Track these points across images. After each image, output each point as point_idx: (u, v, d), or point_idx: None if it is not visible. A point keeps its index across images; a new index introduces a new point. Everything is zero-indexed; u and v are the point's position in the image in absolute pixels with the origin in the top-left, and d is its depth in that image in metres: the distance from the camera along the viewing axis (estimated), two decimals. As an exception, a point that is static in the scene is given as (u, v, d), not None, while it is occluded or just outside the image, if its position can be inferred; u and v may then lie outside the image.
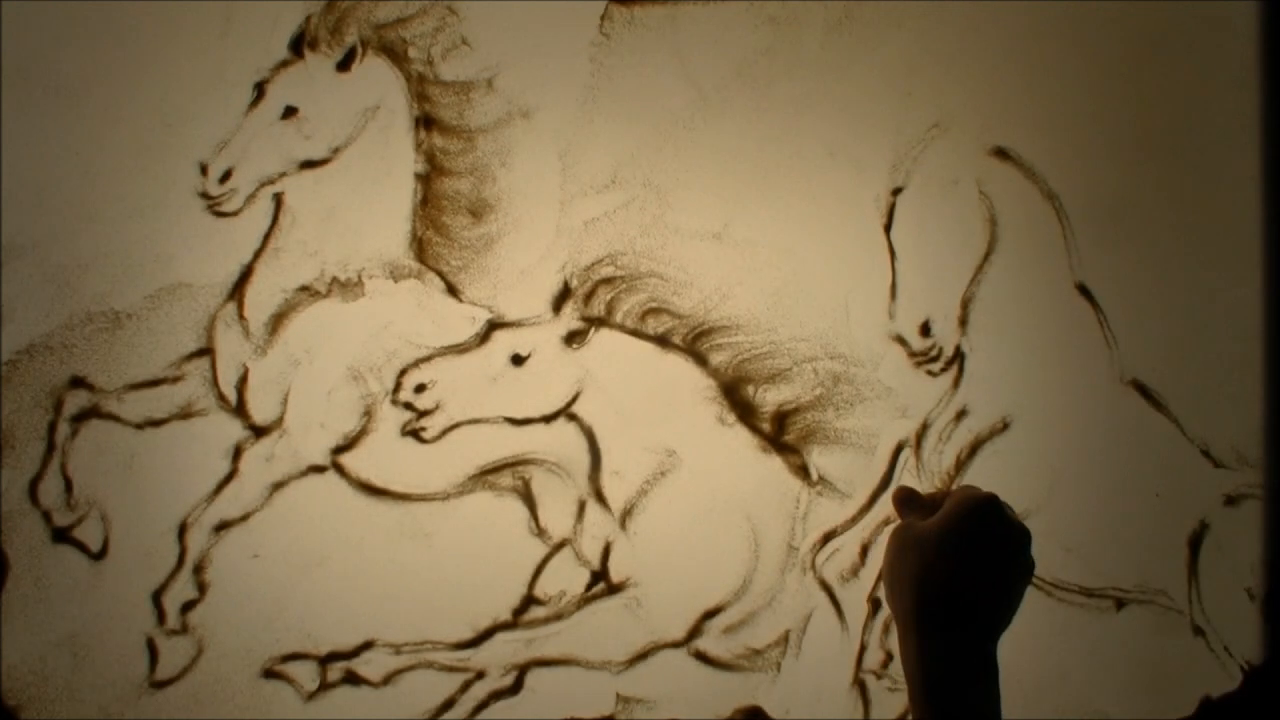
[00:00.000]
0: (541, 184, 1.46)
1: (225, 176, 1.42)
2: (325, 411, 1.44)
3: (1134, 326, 1.51)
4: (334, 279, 1.45)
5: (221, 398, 1.44)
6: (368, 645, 1.44)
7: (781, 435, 1.48)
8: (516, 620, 1.46)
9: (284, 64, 1.43)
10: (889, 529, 1.04)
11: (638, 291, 1.46)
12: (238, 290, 1.43)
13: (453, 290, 1.45)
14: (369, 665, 1.44)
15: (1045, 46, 1.50)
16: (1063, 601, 1.50)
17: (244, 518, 1.43)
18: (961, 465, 1.49)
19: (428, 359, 1.44)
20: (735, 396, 1.47)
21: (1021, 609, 0.98)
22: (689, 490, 1.47)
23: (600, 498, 1.46)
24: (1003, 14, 1.47)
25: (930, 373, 1.49)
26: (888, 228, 1.48)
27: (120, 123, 1.41)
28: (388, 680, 1.44)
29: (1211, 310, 1.52)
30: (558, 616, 1.46)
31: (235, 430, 1.43)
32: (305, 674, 1.43)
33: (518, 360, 1.45)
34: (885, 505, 1.49)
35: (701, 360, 1.47)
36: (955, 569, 0.95)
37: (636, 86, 1.46)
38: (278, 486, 1.44)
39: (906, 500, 1.05)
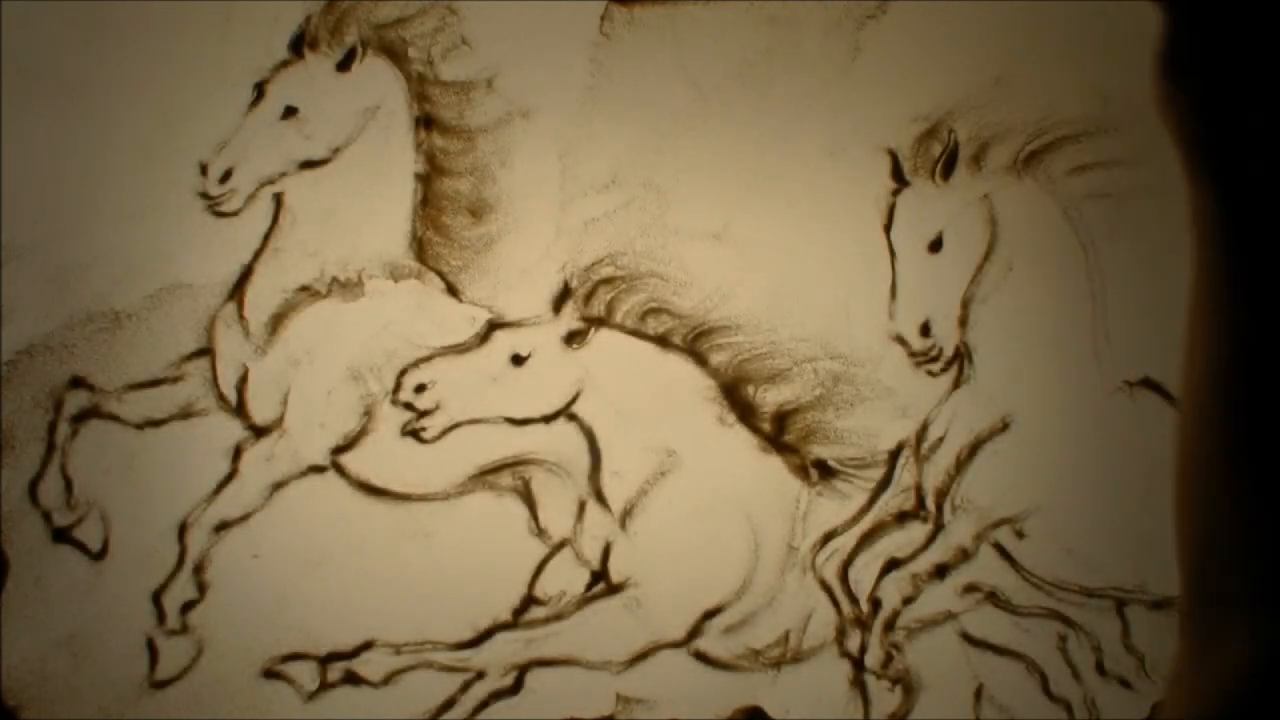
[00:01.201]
0: (541, 184, 1.46)
1: (225, 176, 1.42)
2: (325, 411, 1.44)
3: (1134, 326, 1.51)
4: (334, 279, 1.45)
5: (221, 398, 1.44)
6: (368, 645, 1.44)
7: (781, 435, 1.48)
8: (516, 620, 1.46)
9: (284, 64, 1.43)
10: None
11: (638, 291, 1.46)
12: (238, 290, 1.44)
13: (453, 290, 1.45)
14: (369, 665, 1.44)
15: (1044, 47, 1.50)
16: (1063, 602, 1.50)
17: (244, 518, 1.43)
18: (961, 465, 1.49)
19: (428, 359, 1.44)
20: (735, 396, 1.47)
21: None
22: (689, 490, 1.47)
23: (600, 498, 1.46)
24: (1003, 14, 1.47)
25: (930, 373, 1.49)
26: (888, 228, 1.48)
27: (120, 123, 1.42)
28: (388, 680, 1.44)
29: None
30: (558, 616, 1.46)
31: (235, 430, 1.43)
32: (305, 674, 1.43)
33: (518, 360, 1.45)
34: (885, 505, 1.49)
35: (701, 360, 1.47)
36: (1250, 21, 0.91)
37: (636, 87, 1.46)
38: (278, 486, 1.44)
39: None
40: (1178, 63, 1.00)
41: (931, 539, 1.50)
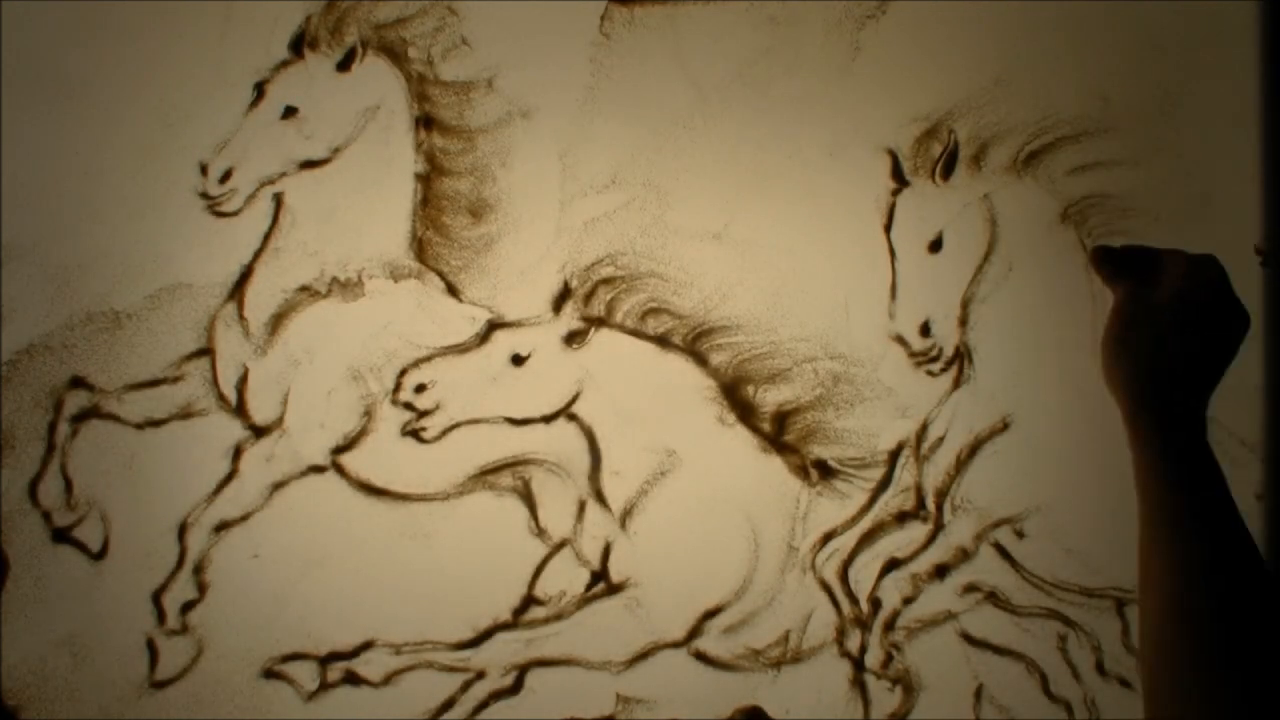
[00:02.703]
0: (541, 184, 1.46)
1: (225, 176, 1.42)
2: (325, 411, 1.44)
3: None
4: (334, 279, 1.45)
5: (221, 398, 1.44)
6: (368, 645, 1.44)
7: (781, 435, 1.48)
8: (516, 620, 1.46)
9: (284, 64, 1.43)
10: (1109, 308, 1.01)
11: (638, 291, 1.46)
12: (238, 290, 1.44)
13: (453, 290, 1.45)
14: (369, 665, 1.44)
15: (1044, 47, 1.50)
16: (1063, 602, 1.50)
17: (244, 518, 1.43)
18: (961, 465, 1.49)
19: (428, 359, 1.44)
20: (735, 396, 1.47)
21: None
22: (689, 490, 1.47)
23: (600, 498, 1.47)
24: (1001, 14, 1.47)
25: (930, 373, 1.49)
26: (888, 228, 1.48)
27: (120, 123, 1.42)
28: (388, 680, 1.44)
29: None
30: (558, 616, 1.46)
31: (235, 430, 1.44)
32: (305, 674, 1.43)
33: (518, 360, 1.45)
34: (885, 505, 1.49)
35: (701, 360, 1.47)
36: (1193, 337, 0.93)
37: (636, 87, 1.46)
38: (278, 486, 1.44)
39: (1112, 262, 1.01)
40: (1124, 335, 1.03)
41: (931, 539, 1.50)
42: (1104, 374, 0.98)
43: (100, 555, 1.42)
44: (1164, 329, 0.95)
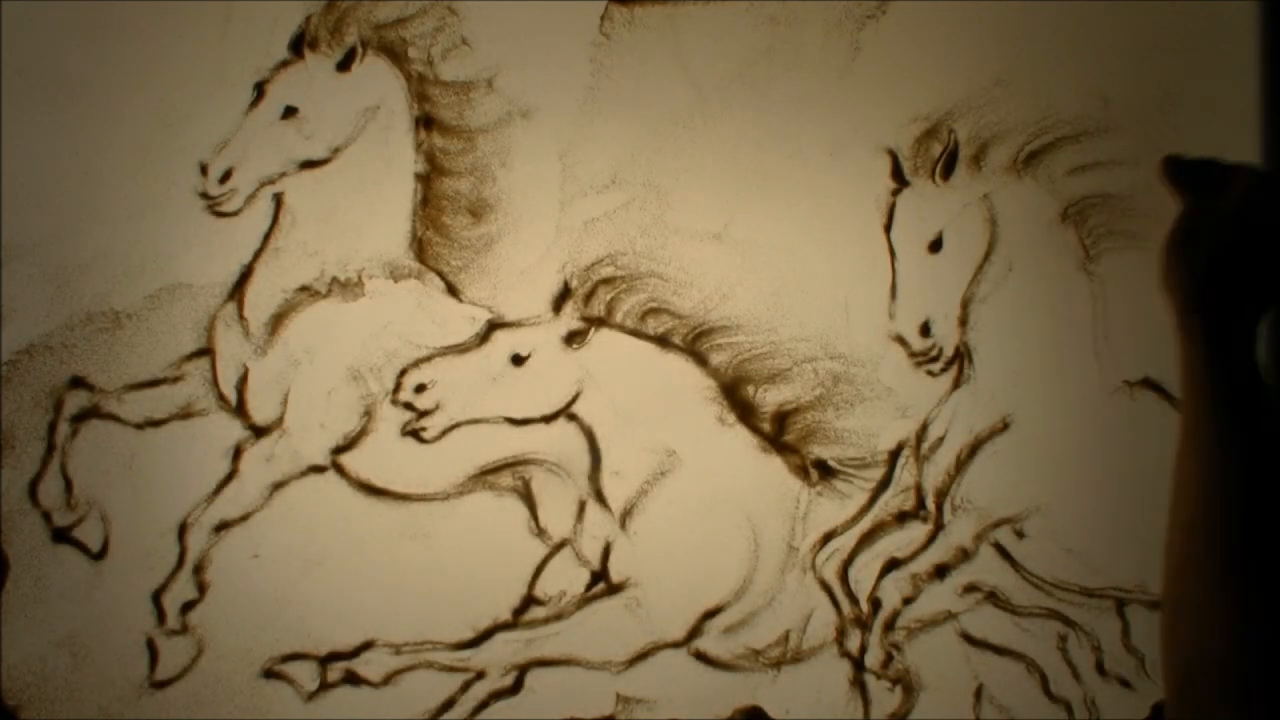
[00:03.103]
0: (541, 184, 1.46)
1: (225, 176, 1.42)
2: (325, 411, 1.44)
3: (1134, 326, 1.51)
4: (334, 279, 1.45)
5: (221, 398, 1.44)
6: (368, 645, 1.44)
7: (781, 435, 1.48)
8: (516, 620, 1.46)
9: (284, 64, 1.43)
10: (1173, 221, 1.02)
11: (638, 291, 1.46)
12: (238, 290, 1.44)
13: (453, 290, 1.45)
14: (369, 665, 1.44)
15: (1044, 47, 1.50)
16: (1063, 602, 1.50)
17: (244, 518, 1.43)
18: (961, 465, 1.49)
19: (428, 359, 1.44)
20: (735, 396, 1.47)
21: None
22: (689, 490, 1.47)
23: (600, 498, 1.46)
24: (1001, 14, 1.47)
25: (930, 373, 1.49)
26: (888, 228, 1.48)
27: (120, 123, 1.42)
28: (388, 680, 1.44)
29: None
30: (558, 616, 1.46)
31: (235, 430, 1.44)
32: (305, 674, 1.43)
33: (518, 360, 1.45)
34: (885, 505, 1.49)
35: (701, 360, 1.47)
36: (1253, 249, 0.94)
37: (636, 87, 1.46)
38: (278, 486, 1.44)
39: (1180, 172, 1.02)
40: (1187, 239, 1.04)
41: (931, 539, 1.50)
42: (1160, 279, 0.99)
43: (100, 555, 1.42)
44: (1225, 238, 0.96)
